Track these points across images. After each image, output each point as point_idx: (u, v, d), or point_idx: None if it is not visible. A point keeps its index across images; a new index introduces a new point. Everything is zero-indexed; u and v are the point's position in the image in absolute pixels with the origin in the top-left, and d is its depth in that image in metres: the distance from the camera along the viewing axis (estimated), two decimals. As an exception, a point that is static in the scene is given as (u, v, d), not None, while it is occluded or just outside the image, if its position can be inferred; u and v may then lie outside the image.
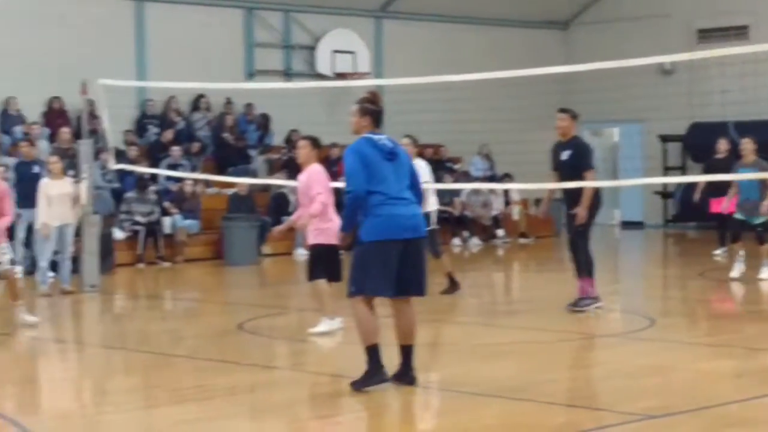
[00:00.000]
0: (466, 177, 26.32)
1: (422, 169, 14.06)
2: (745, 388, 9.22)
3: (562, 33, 30.82)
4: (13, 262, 13.21)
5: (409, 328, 9.14)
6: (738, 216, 16.55)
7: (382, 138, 9.16)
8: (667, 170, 28.01)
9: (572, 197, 13.36)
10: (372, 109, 9.20)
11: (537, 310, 14.04)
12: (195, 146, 23.46)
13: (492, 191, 25.60)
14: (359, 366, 9.14)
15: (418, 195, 9.30)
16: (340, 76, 25.76)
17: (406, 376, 9.11)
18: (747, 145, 16.65)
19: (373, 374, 8.99)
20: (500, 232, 25.44)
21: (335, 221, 11.28)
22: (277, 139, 25.25)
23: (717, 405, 8.57)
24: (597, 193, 13.47)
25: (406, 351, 9.14)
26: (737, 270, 16.53)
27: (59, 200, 16.01)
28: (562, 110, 13.57)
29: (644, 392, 9.24)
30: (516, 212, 26.12)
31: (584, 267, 13.51)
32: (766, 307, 15.30)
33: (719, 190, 18.22)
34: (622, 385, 9.51)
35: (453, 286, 15.43)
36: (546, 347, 11.50)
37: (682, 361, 10.69)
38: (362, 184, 8.93)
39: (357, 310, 9.02)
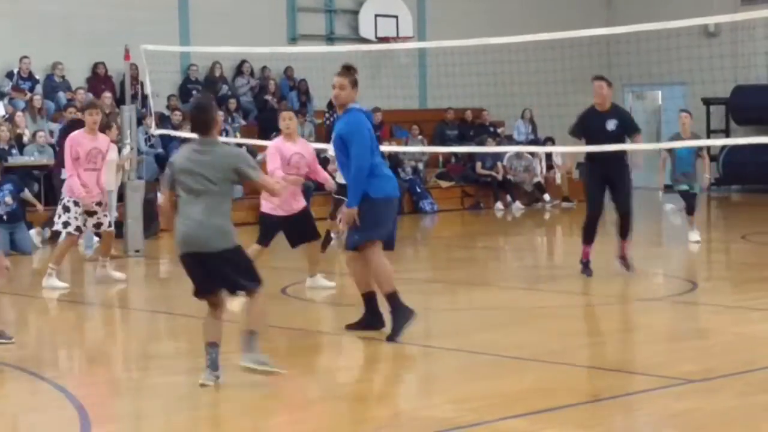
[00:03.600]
0: (509, 141, 26.29)
1: None
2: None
3: (606, -6, 30.61)
4: (78, 230, 13.60)
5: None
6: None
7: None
8: (711, 133, 27.82)
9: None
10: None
11: (578, 275, 14.03)
12: (232, 103, 23.55)
13: (534, 155, 25.54)
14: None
15: None
16: (383, 40, 25.75)
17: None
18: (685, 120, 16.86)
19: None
20: (546, 196, 25.39)
21: None
22: (319, 103, 25.28)
23: (759, 369, 8.57)
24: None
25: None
26: None
27: (106, 166, 16.11)
28: (600, 77, 13.42)
29: (685, 356, 9.25)
30: (559, 176, 26.07)
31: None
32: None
33: None
34: (662, 348, 9.52)
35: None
36: (587, 311, 11.53)
37: (723, 325, 10.69)
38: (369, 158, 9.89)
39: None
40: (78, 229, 13.45)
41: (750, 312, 11.46)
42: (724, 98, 27.72)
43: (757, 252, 16.69)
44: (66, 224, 13.41)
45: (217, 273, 8.22)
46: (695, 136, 16.82)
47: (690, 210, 17.05)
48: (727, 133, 28.01)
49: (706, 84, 26.75)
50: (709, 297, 12.27)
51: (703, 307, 11.80)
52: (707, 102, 28.00)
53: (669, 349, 9.49)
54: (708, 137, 26.88)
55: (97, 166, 13.47)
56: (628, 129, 13.37)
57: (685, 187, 16.99)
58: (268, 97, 24.44)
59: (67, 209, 13.35)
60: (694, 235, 17.03)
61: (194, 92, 24.00)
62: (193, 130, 8.41)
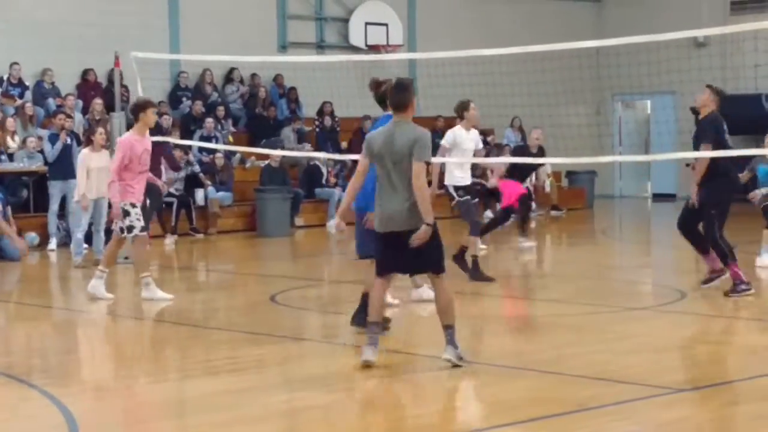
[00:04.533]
0: (498, 149, 26.31)
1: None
2: (764, 363, 9.23)
3: (595, 6, 30.69)
4: (143, 229, 13.14)
5: None
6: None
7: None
8: (700, 143, 27.86)
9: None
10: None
11: (568, 283, 14.05)
12: (220, 110, 23.53)
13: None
14: (386, 338, 9.20)
15: None
16: (373, 48, 25.79)
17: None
18: None
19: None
20: (533, 205, 25.40)
21: None
22: (309, 111, 25.29)
23: (746, 378, 8.59)
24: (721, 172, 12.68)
25: None
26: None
27: (98, 172, 16.01)
28: (708, 85, 13.10)
29: (673, 365, 9.27)
30: (548, 185, 26.10)
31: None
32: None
33: None
34: (651, 358, 9.54)
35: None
36: (576, 320, 11.54)
37: (711, 335, 10.72)
38: None
39: None
40: (143, 228, 13.04)
41: (738, 321, 11.48)
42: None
43: (745, 262, 16.68)
44: (130, 228, 13.11)
45: (410, 251, 8.82)
46: None
47: None
48: (715, 142, 28.06)
49: (695, 93, 26.83)
50: (697, 306, 12.29)
51: (691, 316, 11.82)
52: (695, 112, 28.03)
53: (657, 359, 9.50)
54: (696, 147, 26.90)
55: (146, 167, 13.05)
56: (697, 137, 12.93)
57: None
58: (259, 109, 24.48)
59: (127, 213, 12.98)
60: None
61: (184, 99, 24.02)
62: (391, 108, 9.15)
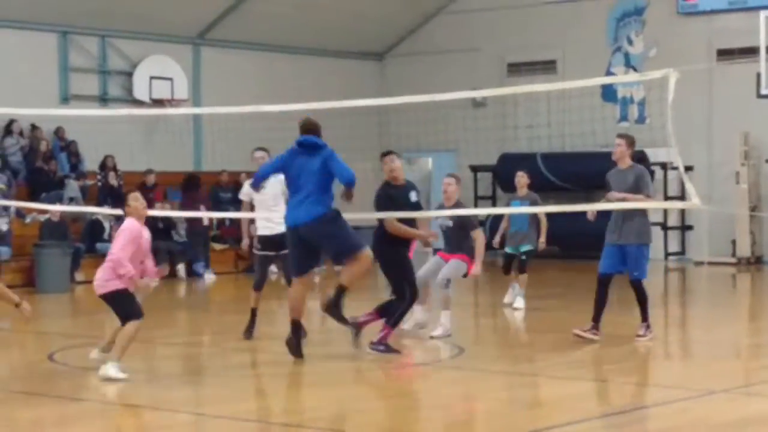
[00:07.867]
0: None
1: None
2: (543, 418, 9.50)
3: (378, 64, 31.27)
4: None
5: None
6: (507, 249, 17.40)
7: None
8: (478, 199, 28.63)
9: None
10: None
11: (348, 340, 14.17)
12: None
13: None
14: (170, 396, 9.11)
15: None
16: (158, 102, 25.66)
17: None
18: (521, 179, 17.45)
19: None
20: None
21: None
22: (91, 165, 24.91)
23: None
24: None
25: None
26: (510, 295, 17.47)
27: None
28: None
29: (452, 421, 9.44)
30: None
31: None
32: (567, 335, 15.58)
33: None
34: (427, 415, 9.69)
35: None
36: (356, 376, 11.64)
37: (486, 390, 10.96)
38: None
39: None
40: None
41: (514, 377, 11.75)
42: (491, 165, 28.60)
43: (524, 317, 17.16)
44: None
45: None
46: (531, 197, 17.45)
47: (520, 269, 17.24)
48: (493, 200, 28.87)
49: (474, 152, 27.61)
50: (476, 362, 12.45)
51: (470, 372, 11.97)
52: (475, 169, 28.83)
53: (434, 415, 9.63)
54: (476, 204, 27.67)
55: None
56: None
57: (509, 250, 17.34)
58: (39, 163, 23.97)
59: None
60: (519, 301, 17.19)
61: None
62: None
